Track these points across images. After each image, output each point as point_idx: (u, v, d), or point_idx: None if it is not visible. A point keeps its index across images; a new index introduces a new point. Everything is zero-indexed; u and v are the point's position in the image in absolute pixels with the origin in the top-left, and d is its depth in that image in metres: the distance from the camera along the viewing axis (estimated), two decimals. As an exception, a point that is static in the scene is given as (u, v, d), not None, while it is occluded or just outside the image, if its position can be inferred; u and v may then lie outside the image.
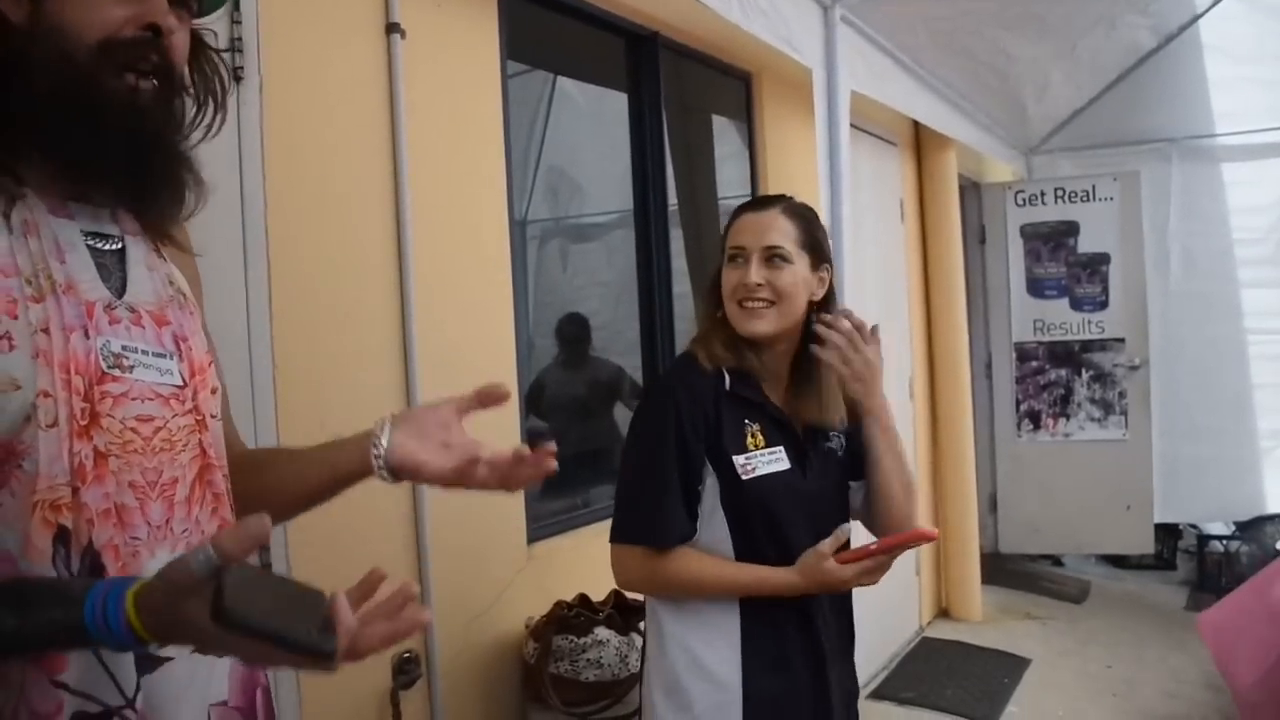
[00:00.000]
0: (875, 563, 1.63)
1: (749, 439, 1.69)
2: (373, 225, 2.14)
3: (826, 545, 1.63)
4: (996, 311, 5.92)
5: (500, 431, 2.49)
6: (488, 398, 1.11)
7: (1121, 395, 5.63)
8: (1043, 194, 5.77)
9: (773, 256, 1.69)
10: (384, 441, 1.08)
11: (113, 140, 0.97)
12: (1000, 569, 5.82)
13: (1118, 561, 6.18)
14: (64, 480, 0.93)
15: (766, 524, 1.67)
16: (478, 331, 2.44)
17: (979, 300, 5.92)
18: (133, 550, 0.97)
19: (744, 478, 1.65)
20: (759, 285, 1.68)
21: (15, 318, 0.92)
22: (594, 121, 4.02)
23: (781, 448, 1.70)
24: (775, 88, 3.86)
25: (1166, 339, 5.73)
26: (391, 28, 2.16)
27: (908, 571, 4.91)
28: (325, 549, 2.00)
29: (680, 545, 1.65)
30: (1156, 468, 5.63)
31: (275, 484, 1.19)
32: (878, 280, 4.56)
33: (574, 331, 4.17)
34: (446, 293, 2.30)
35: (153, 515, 0.99)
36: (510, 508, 2.51)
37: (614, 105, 3.44)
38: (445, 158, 2.32)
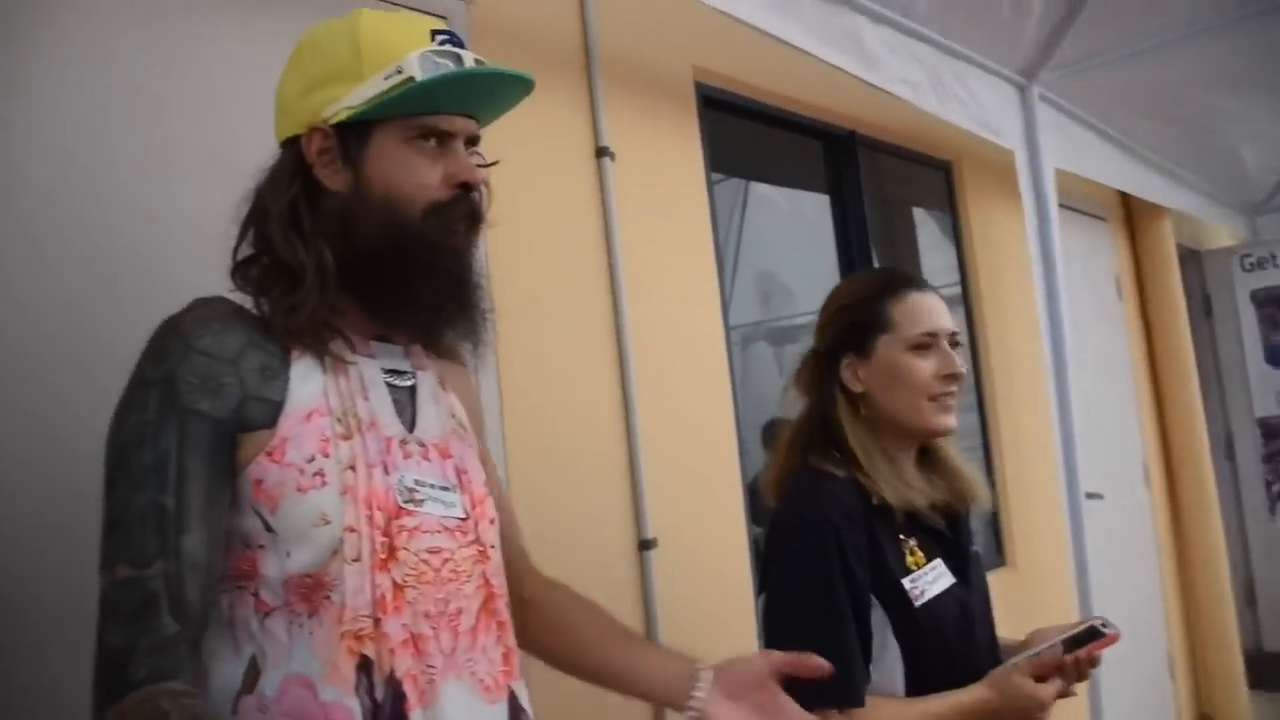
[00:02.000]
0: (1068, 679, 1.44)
1: (908, 557, 1.48)
2: (595, 341, 2.20)
3: (1023, 660, 1.44)
4: (1233, 386, 5.47)
5: (730, 539, 2.47)
6: (804, 666, 1.13)
7: (1392, 468, 5.07)
8: (1274, 256, 5.35)
9: (955, 343, 1.54)
10: (701, 695, 1.13)
11: (448, 289, 1.08)
12: (1270, 670, 5.23)
13: None
14: (366, 611, 0.98)
15: (941, 652, 1.46)
16: (700, 440, 2.44)
17: (1211, 376, 5.48)
18: (429, 678, 1.01)
19: (916, 604, 1.45)
20: (962, 374, 1.52)
21: (327, 455, 1.00)
22: (792, 222, 4.04)
23: (939, 559, 1.51)
24: (976, 173, 3.78)
25: None
26: (601, 151, 2.25)
27: (1158, 672, 4.51)
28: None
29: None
30: None
31: (574, 651, 1.26)
32: (1098, 363, 4.32)
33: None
34: (668, 403, 2.32)
35: (444, 644, 1.03)
36: (741, 623, 2.46)
37: (811, 205, 3.45)
38: (659, 271, 2.37)
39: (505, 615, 1.12)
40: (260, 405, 1.00)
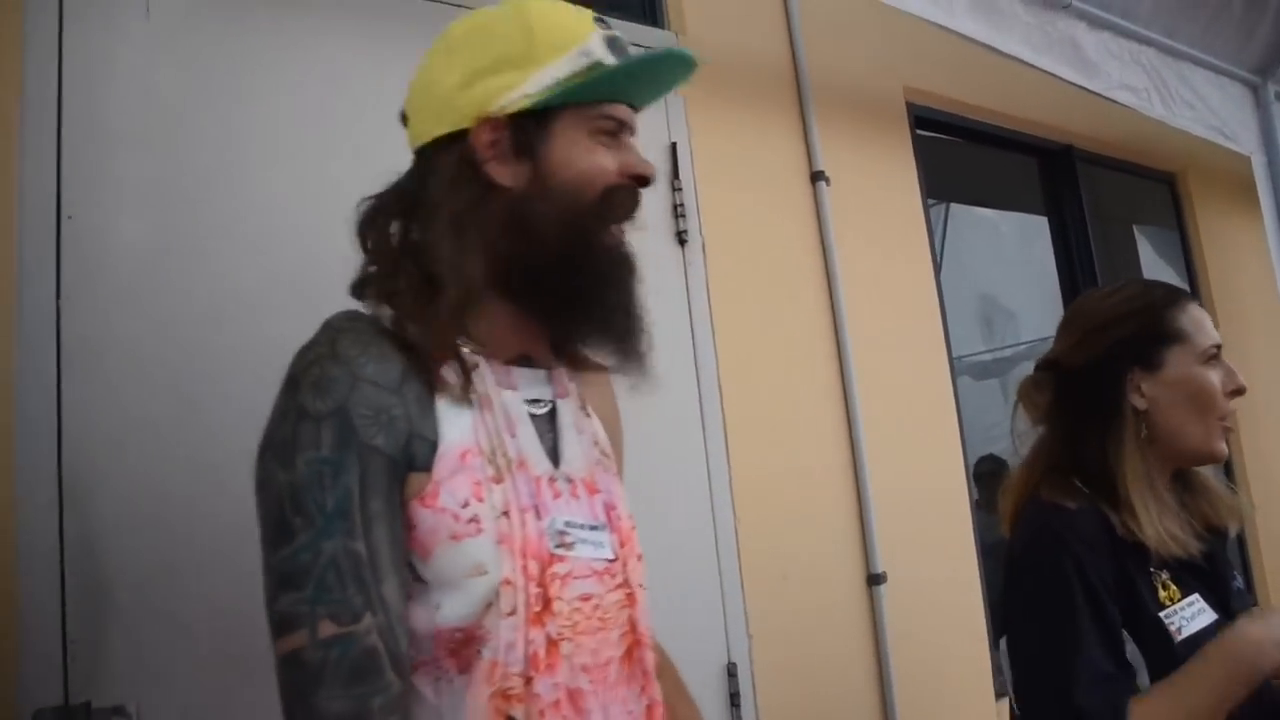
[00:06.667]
0: None
1: (1161, 592, 1.32)
2: (817, 369, 2.15)
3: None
4: None
5: (961, 572, 2.37)
6: None
7: None
8: None
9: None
10: None
11: (609, 290, 0.96)
12: None
13: None
14: (518, 669, 0.88)
15: None
16: (928, 472, 2.34)
17: None
18: None
19: (1176, 640, 1.27)
20: (1246, 389, 1.37)
21: (481, 500, 0.90)
22: (998, 243, 3.89)
23: (1198, 594, 1.34)
24: (1205, 183, 3.54)
25: None
26: (816, 175, 2.21)
27: None
28: (792, 694, 1.95)
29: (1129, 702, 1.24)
30: None
31: None
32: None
33: (991, 470, 3.95)
34: (894, 434, 2.24)
35: (601, 698, 0.93)
36: (975, 660, 2.33)
37: (1019, 225, 3.31)
38: (879, 297, 2.31)
39: (649, 664, 0.99)
40: (423, 444, 0.90)
